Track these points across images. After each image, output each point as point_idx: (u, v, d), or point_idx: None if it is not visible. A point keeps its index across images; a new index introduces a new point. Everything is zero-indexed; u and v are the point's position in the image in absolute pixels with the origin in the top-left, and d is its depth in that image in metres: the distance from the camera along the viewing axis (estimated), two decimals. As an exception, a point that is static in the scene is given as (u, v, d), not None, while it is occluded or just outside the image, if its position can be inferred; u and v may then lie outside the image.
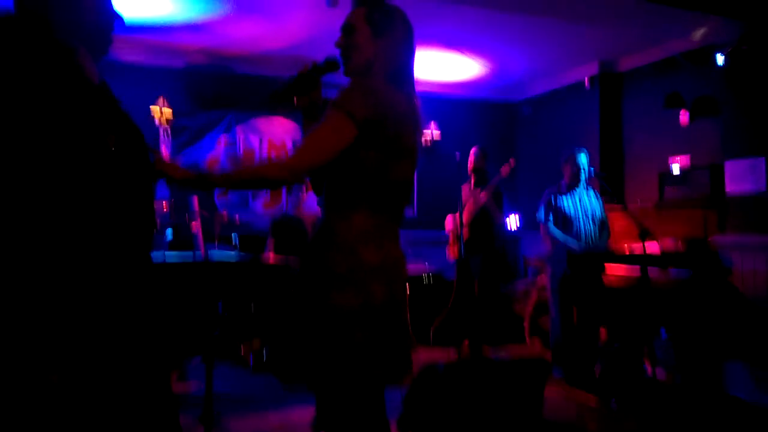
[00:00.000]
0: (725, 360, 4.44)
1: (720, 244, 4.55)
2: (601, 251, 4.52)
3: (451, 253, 5.63)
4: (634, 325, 4.56)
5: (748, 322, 4.32)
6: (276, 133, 6.54)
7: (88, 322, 1.47)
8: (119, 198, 1.52)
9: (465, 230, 5.33)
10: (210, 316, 3.62)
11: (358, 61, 1.85)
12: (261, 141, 6.48)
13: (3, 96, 1.40)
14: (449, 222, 5.62)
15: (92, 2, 1.59)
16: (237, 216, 5.43)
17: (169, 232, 4.94)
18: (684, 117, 5.34)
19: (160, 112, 5.86)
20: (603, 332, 4.96)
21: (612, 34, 5.38)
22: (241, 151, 6.39)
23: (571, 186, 4.61)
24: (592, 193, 4.68)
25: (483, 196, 5.34)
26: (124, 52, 5.62)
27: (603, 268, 4.58)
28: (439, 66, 6.38)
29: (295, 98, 1.95)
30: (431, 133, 6.97)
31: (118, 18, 1.66)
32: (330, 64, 1.89)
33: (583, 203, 4.59)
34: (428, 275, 5.95)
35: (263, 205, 6.46)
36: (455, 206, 5.25)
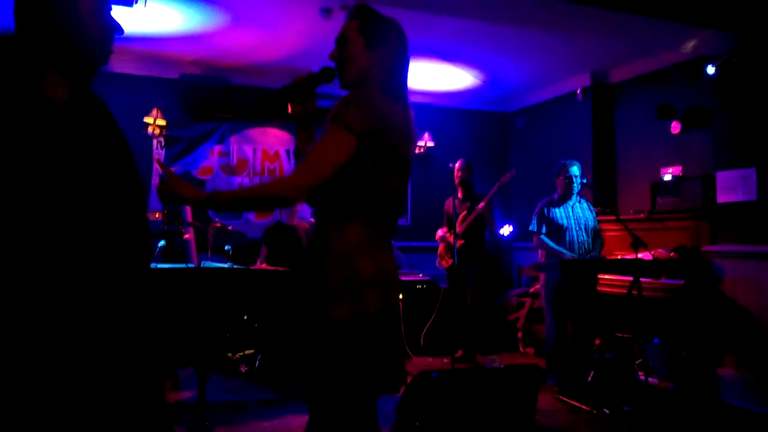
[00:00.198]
0: (717, 367, 4.47)
1: (712, 254, 4.58)
2: (594, 260, 4.55)
3: (444, 263, 5.66)
4: (627, 332, 4.58)
5: (740, 330, 4.35)
6: (270, 144, 6.56)
7: (82, 330, 1.47)
8: (89, 213, 1.50)
9: (458, 240, 5.36)
10: (203, 325, 3.61)
11: (353, 73, 1.86)
12: (255, 151, 6.49)
13: None
14: (439, 234, 5.67)
15: (93, 15, 1.59)
16: (230, 226, 5.42)
17: (161, 242, 4.93)
18: (676, 128, 5.38)
19: (154, 123, 5.87)
20: (596, 340, 4.98)
21: (604, 46, 5.43)
22: (235, 161, 6.40)
23: (564, 197, 4.64)
24: (585, 203, 4.71)
25: (482, 205, 5.38)
26: (118, 63, 5.63)
27: (596, 277, 4.61)
28: (433, 76, 6.42)
29: (289, 107, 1.96)
30: (425, 143, 7.01)
31: (118, 29, 1.67)
32: (325, 75, 1.89)
33: (576, 214, 4.62)
34: (422, 284, 5.95)
35: (256, 215, 6.47)
36: (450, 221, 5.28)
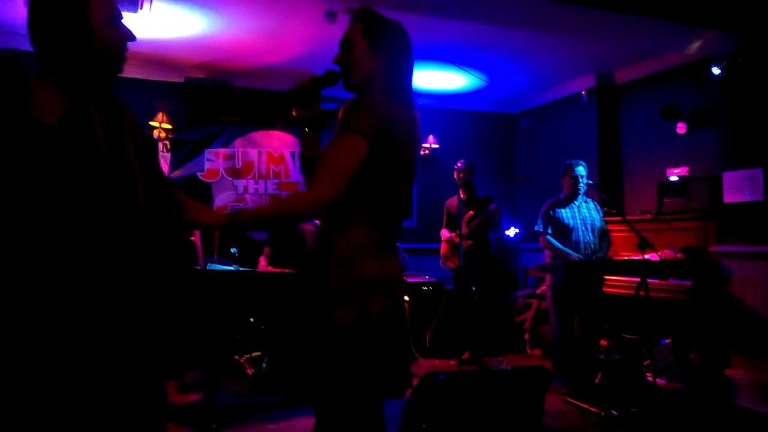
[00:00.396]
0: (725, 368, 4.44)
1: (719, 254, 4.56)
2: (601, 260, 4.54)
3: (450, 264, 5.65)
4: (634, 334, 4.56)
5: (748, 331, 4.32)
6: (275, 146, 6.57)
7: (84, 329, 1.49)
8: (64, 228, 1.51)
9: (463, 241, 5.36)
10: (209, 327, 3.62)
11: (358, 77, 1.85)
12: (260, 154, 6.50)
13: None
14: (446, 235, 5.66)
15: (104, 23, 1.61)
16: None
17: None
18: (681, 128, 5.37)
19: (159, 126, 5.90)
20: (603, 341, 4.96)
21: (608, 48, 5.42)
22: (240, 164, 6.41)
23: (570, 197, 4.63)
24: (591, 203, 4.70)
25: (493, 208, 5.38)
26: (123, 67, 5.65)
27: (603, 278, 4.59)
28: (437, 78, 6.42)
29: (293, 110, 1.95)
30: (430, 144, 7.01)
31: (130, 37, 1.69)
32: (329, 78, 1.88)
33: (582, 214, 4.61)
34: (427, 285, 5.95)
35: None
36: (453, 221, 5.28)
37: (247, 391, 4.45)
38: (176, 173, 6.04)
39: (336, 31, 1.92)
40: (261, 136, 6.52)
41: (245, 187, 6.43)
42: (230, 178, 6.38)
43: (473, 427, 2.76)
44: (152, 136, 5.86)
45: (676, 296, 4.38)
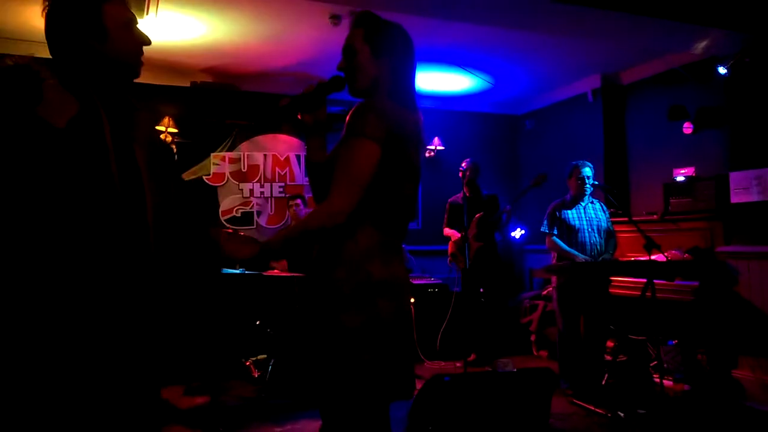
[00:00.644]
0: (733, 369, 4.42)
1: (726, 255, 4.54)
2: (607, 261, 4.52)
3: (459, 263, 5.62)
4: (641, 335, 4.55)
5: (756, 332, 4.30)
6: (280, 149, 6.59)
7: (85, 331, 1.51)
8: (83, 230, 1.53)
9: (470, 241, 5.34)
10: (216, 330, 3.64)
11: (363, 82, 1.85)
12: (265, 157, 6.52)
13: None
14: (456, 236, 5.63)
15: (120, 29, 1.64)
16: (242, 231, 5.44)
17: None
18: (688, 128, 5.35)
19: (166, 130, 5.93)
20: (610, 342, 4.95)
21: (613, 48, 5.41)
22: (246, 167, 6.43)
23: (576, 198, 4.62)
24: (597, 204, 4.68)
25: (508, 209, 5.37)
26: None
27: (609, 279, 4.58)
28: (442, 80, 6.42)
29: (299, 115, 1.96)
30: (435, 146, 7.01)
31: (146, 41, 1.72)
32: (335, 84, 1.88)
33: (588, 215, 4.59)
34: (433, 287, 5.94)
35: (268, 220, 6.50)
36: (459, 219, 5.25)
37: (254, 393, 4.46)
38: (183, 177, 6.07)
39: (341, 35, 1.92)
40: (267, 139, 6.55)
41: (251, 191, 6.45)
42: (236, 182, 6.40)
43: (479, 429, 2.76)
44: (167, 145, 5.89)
45: (683, 297, 4.37)
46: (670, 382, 4.62)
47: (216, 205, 6.31)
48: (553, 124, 7.07)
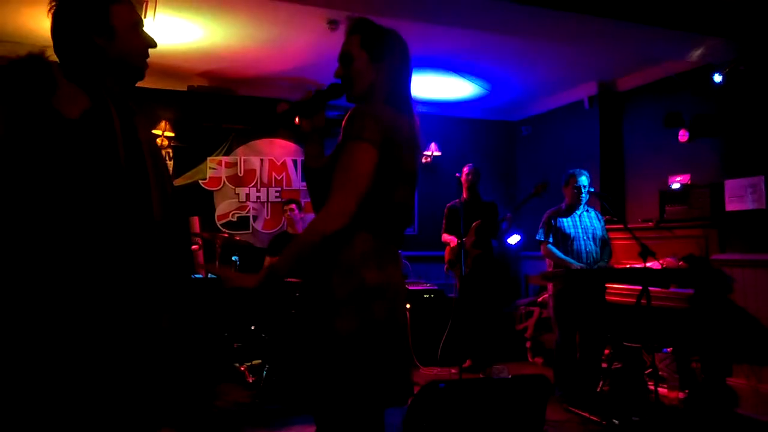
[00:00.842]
0: (727, 376, 4.42)
1: (721, 263, 4.55)
2: (602, 269, 4.53)
3: (457, 271, 5.61)
4: (636, 342, 4.55)
5: (750, 340, 4.31)
6: (277, 154, 6.59)
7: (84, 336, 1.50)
8: (92, 224, 1.53)
9: (469, 248, 5.33)
10: (210, 335, 3.62)
11: (360, 88, 1.86)
12: (262, 162, 6.52)
13: None
14: (452, 241, 5.62)
15: (127, 30, 1.65)
16: (237, 236, 5.44)
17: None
18: (683, 136, 5.37)
19: (163, 134, 5.92)
20: (605, 349, 4.95)
21: (610, 55, 5.43)
22: (242, 171, 6.43)
23: (572, 207, 4.63)
24: (593, 212, 4.69)
25: (509, 216, 5.36)
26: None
27: (604, 287, 4.59)
28: (439, 86, 6.44)
29: (297, 121, 1.96)
30: (432, 152, 7.02)
31: (152, 44, 1.73)
32: (333, 91, 1.89)
33: (583, 223, 4.60)
34: (429, 293, 5.94)
35: (263, 225, 6.49)
36: (457, 224, 5.23)
37: (248, 399, 4.44)
38: (179, 181, 6.06)
39: (338, 40, 1.92)
40: (263, 144, 6.54)
41: (247, 195, 6.44)
42: (232, 186, 6.39)
43: (474, 436, 2.75)
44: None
45: (678, 304, 4.37)
46: (665, 390, 4.63)
47: (212, 209, 6.30)
48: (550, 131, 7.09)
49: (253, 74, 6.10)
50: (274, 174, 6.57)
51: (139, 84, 1.79)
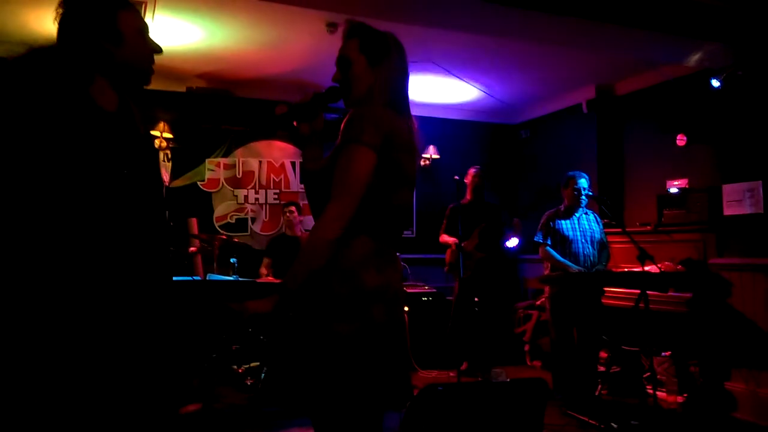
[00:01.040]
0: (725, 381, 4.42)
1: (719, 267, 4.56)
2: (600, 272, 4.53)
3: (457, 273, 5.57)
4: (634, 346, 4.55)
5: (748, 344, 4.31)
6: (275, 156, 6.59)
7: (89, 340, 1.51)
8: (129, 218, 1.59)
9: (472, 251, 5.30)
10: (208, 338, 3.61)
11: (359, 92, 1.86)
12: (260, 163, 6.52)
13: (12, 128, 1.48)
14: (451, 241, 5.57)
15: (133, 34, 1.68)
16: (236, 238, 5.43)
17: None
18: (681, 140, 5.38)
19: (161, 136, 5.91)
20: (603, 353, 4.94)
21: (607, 60, 5.44)
22: (241, 173, 6.42)
23: (571, 209, 4.63)
24: (591, 215, 4.69)
25: (517, 222, 5.34)
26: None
27: (602, 290, 4.58)
28: (437, 89, 6.44)
29: (295, 124, 1.96)
30: (431, 155, 7.02)
31: (158, 49, 1.77)
32: (331, 95, 1.89)
33: (582, 226, 4.60)
34: (427, 296, 5.93)
35: (262, 227, 6.48)
36: (455, 227, 5.21)
37: (246, 401, 4.43)
38: (177, 182, 6.05)
39: (337, 43, 1.93)
40: (262, 146, 6.54)
41: (245, 197, 6.44)
42: (231, 188, 6.39)
43: (472, 440, 2.74)
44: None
45: (676, 308, 4.37)
46: (663, 394, 4.63)
47: (210, 211, 6.29)
48: (548, 134, 7.10)
49: (251, 76, 6.10)
50: (272, 176, 6.56)
51: (138, 85, 1.81)
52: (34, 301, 1.45)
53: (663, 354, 4.73)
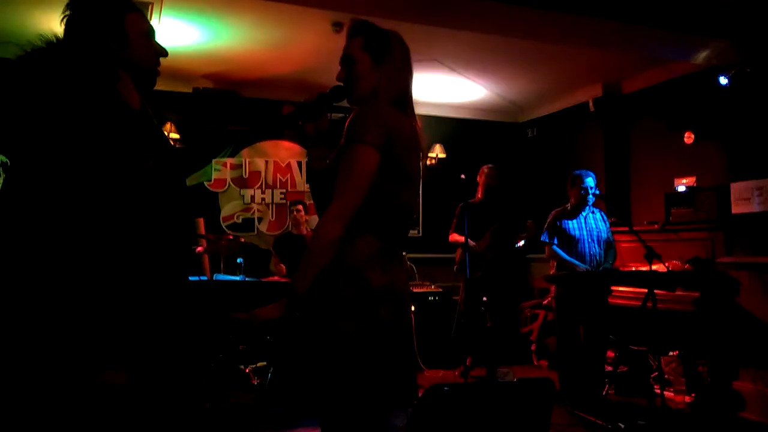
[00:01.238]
0: (734, 380, 4.40)
1: (727, 265, 4.53)
2: (608, 271, 4.51)
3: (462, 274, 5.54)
4: (641, 345, 4.53)
5: (757, 343, 4.28)
6: (282, 156, 6.60)
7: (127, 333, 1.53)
8: (156, 213, 1.61)
9: (484, 251, 5.27)
10: (215, 337, 3.62)
11: (363, 91, 1.86)
12: (267, 163, 6.53)
13: (46, 121, 1.49)
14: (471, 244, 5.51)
15: (140, 37, 1.70)
16: (242, 238, 5.44)
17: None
18: (689, 138, 5.35)
19: (168, 136, 5.93)
20: (610, 353, 4.93)
21: (614, 58, 5.42)
22: (247, 173, 6.44)
23: (577, 208, 4.60)
24: (598, 214, 4.67)
25: (530, 224, 5.31)
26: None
27: (609, 289, 4.57)
28: (443, 88, 6.42)
29: (301, 123, 1.96)
30: (437, 154, 7.00)
31: (163, 53, 1.78)
32: (335, 94, 1.89)
33: (588, 225, 4.58)
34: (433, 295, 5.92)
35: (268, 227, 6.49)
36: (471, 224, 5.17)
37: (253, 401, 4.44)
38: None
39: (343, 42, 1.93)
40: (268, 145, 6.55)
41: (252, 197, 6.45)
42: (237, 188, 6.40)
43: (479, 440, 2.74)
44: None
45: (684, 307, 4.35)
46: (671, 394, 4.60)
47: (217, 210, 6.31)
48: (555, 133, 7.07)
49: (257, 76, 6.11)
50: (278, 176, 6.57)
51: (144, 85, 1.81)
52: (71, 288, 1.47)
53: (671, 353, 4.71)
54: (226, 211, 6.36)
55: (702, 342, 4.40)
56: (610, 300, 4.64)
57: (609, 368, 4.72)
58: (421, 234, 7.00)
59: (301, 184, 6.59)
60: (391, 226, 1.80)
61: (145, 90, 1.76)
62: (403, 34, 1.93)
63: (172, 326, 1.63)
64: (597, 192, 4.58)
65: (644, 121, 6.01)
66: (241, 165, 6.43)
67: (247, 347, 4.97)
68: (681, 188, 5.25)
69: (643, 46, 4.63)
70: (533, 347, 6.10)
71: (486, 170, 5.53)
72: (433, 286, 6.17)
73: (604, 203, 4.75)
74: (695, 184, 5.22)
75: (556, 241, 4.59)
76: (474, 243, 5.22)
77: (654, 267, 4.02)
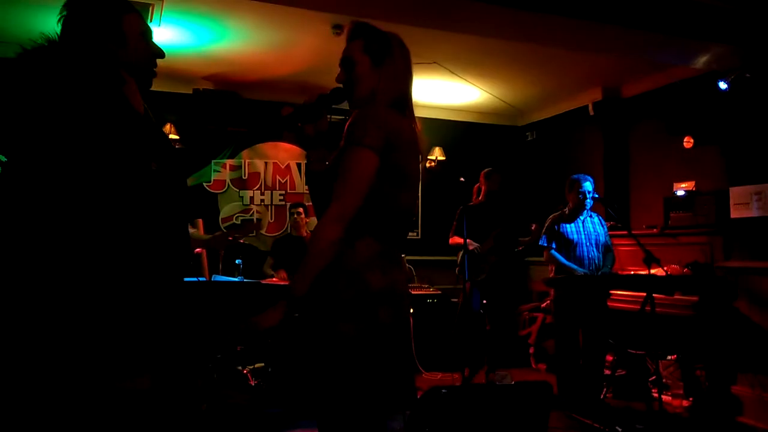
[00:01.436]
0: (732, 385, 4.40)
1: (725, 270, 4.53)
2: (606, 275, 4.51)
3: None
4: (640, 349, 4.53)
5: (754, 348, 4.28)
6: (281, 157, 6.60)
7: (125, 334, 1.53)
8: (158, 214, 1.61)
9: (487, 254, 5.26)
10: (213, 338, 3.62)
11: (363, 93, 1.86)
12: (266, 165, 6.53)
13: (54, 122, 1.49)
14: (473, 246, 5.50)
15: (137, 38, 1.70)
16: (242, 239, 5.44)
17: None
18: (688, 142, 5.35)
19: (167, 137, 5.93)
20: (608, 356, 4.92)
21: (614, 62, 5.42)
22: (247, 174, 6.44)
23: (576, 212, 4.61)
24: (596, 218, 4.67)
25: (534, 227, 5.30)
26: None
27: (608, 293, 4.56)
28: (443, 91, 6.43)
29: (300, 126, 1.96)
30: (436, 157, 7.01)
31: (160, 54, 1.78)
32: (335, 96, 1.90)
33: (586, 229, 4.58)
34: (432, 298, 5.92)
35: (268, 229, 6.49)
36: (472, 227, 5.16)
37: (251, 402, 4.43)
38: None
39: (343, 45, 1.93)
40: (268, 147, 6.56)
41: (251, 198, 6.45)
42: (236, 189, 6.41)
43: (477, 443, 2.74)
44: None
45: (683, 312, 4.35)
46: (669, 398, 4.60)
47: (216, 212, 6.31)
48: (555, 136, 7.08)
49: (257, 78, 6.11)
50: (278, 177, 6.58)
51: (143, 85, 1.81)
52: (75, 287, 1.47)
53: (669, 357, 4.71)
54: (225, 212, 6.36)
55: (700, 346, 4.40)
56: (609, 304, 4.64)
57: (607, 372, 4.71)
58: (420, 236, 7.01)
59: (301, 185, 6.59)
60: (391, 229, 1.80)
61: (142, 91, 1.76)
62: (403, 37, 1.94)
63: (178, 329, 1.64)
64: (596, 195, 4.58)
65: (644, 125, 6.02)
66: (241, 166, 6.43)
67: (244, 348, 4.97)
68: (680, 192, 5.25)
69: (644, 50, 4.63)
70: (531, 350, 6.10)
71: (487, 174, 5.53)
72: (431, 289, 6.17)
73: (603, 207, 4.75)
74: (694, 189, 5.22)
75: (554, 245, 4.59)
76: (477, 244, 5.21)
77: (653, 271, 4.03)
